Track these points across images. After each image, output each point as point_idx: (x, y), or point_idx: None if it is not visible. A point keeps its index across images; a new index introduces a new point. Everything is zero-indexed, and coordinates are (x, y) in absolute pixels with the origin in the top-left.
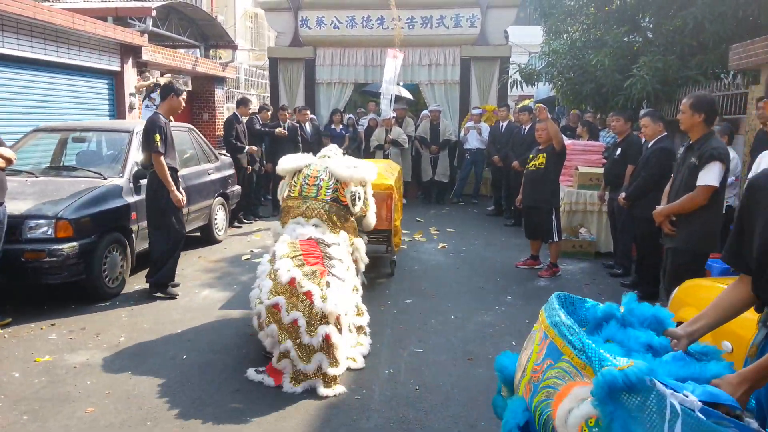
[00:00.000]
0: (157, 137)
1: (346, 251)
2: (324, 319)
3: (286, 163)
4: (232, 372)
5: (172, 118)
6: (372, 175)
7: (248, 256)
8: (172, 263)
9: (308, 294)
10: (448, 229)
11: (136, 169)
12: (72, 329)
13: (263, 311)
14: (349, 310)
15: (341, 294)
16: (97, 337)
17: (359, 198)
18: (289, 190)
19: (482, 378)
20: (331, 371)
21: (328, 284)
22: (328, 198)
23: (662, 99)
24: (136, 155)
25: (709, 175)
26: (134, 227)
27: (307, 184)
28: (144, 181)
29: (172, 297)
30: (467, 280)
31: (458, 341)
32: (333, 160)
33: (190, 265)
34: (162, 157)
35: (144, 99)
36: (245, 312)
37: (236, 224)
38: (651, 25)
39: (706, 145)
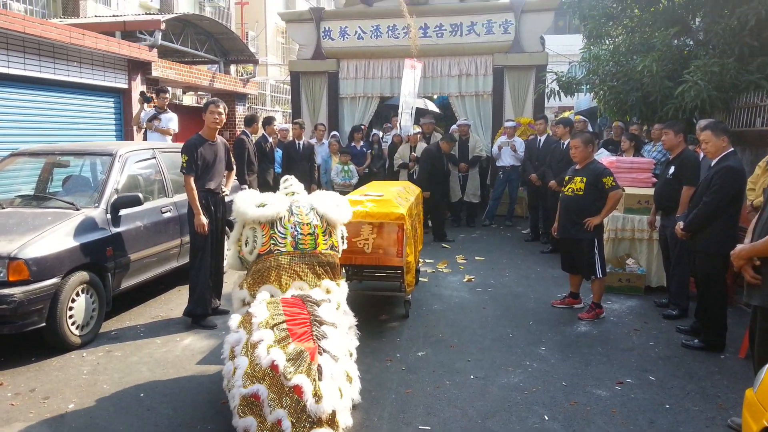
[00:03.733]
0: (183, 158)
1: (335, 307)
2: (318, 422)
3: (252, 207)
4: None
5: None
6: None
7: None
8: (201, 292)
9: (297, 390)
10: (477, 258)
11: (116, 197)
12: (19, 391)
13: (237, 397)
14: (347, 398)
15: (336, 381)
16: (43, 403)
17: (344, 239)
18: (274, 243)
19: None
20: None
21: (320, 371)
22: (327, 248)
23: (719, 107)
24: (117, 182)
25: None
26: (110, 264)
27: (301, 234)
28: (124, 212)
29: (211, 327)
30: (494, 324)
31: (476, 414)
32: (309, 196)
33: (182, 303)
34: (192, 180)
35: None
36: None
37: None
38: (703, 26)
39: None
